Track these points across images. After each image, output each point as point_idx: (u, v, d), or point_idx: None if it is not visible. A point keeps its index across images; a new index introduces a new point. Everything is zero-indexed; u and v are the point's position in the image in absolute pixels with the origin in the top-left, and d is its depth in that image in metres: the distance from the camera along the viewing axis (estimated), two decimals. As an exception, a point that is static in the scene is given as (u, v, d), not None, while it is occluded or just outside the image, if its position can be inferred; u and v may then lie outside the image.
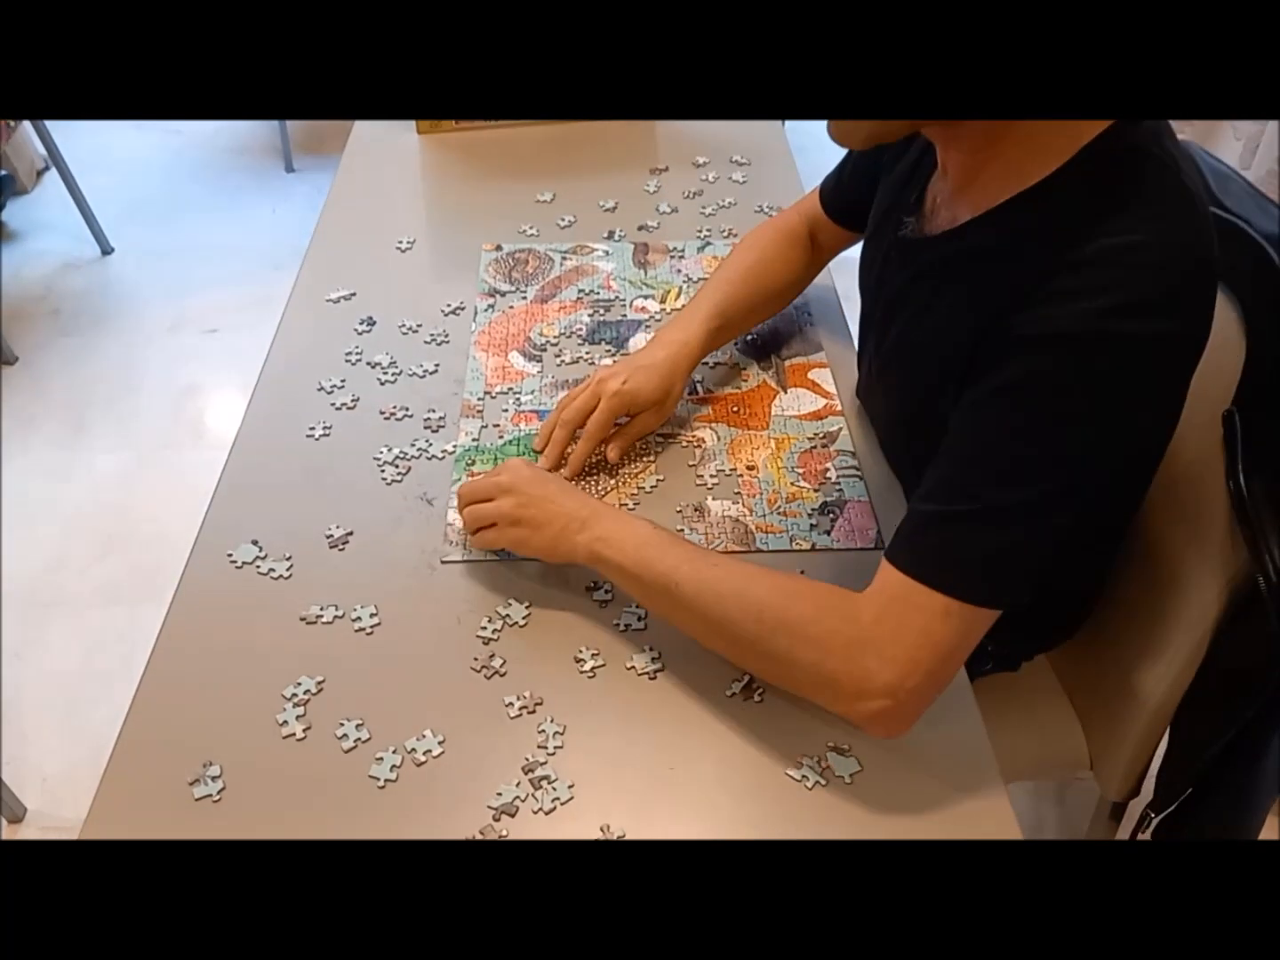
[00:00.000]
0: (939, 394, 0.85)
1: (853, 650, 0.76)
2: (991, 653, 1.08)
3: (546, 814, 0.77)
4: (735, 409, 1.12)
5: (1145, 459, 0.89)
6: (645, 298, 1.27)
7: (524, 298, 1.27)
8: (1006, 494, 0.74)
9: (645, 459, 1.05)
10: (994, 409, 0.76)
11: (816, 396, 1.12)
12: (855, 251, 1.20)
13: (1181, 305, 0.72)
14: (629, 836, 0.76)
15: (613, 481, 1.03)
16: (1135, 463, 0.87)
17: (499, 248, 1.36)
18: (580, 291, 1.28)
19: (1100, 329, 0.71)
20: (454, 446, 1.07)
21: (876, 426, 1.09)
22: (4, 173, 2.86)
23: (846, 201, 1.17)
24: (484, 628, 0.90)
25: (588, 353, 1.19)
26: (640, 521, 0.88)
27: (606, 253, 1.35)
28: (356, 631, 0.90)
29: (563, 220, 1.41)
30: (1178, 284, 0.72)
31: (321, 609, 0.91)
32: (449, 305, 1.26)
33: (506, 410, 1.11)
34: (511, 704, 0.84)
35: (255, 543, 0.97)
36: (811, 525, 0.98)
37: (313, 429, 1.09)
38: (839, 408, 1.11)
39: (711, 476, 1.04)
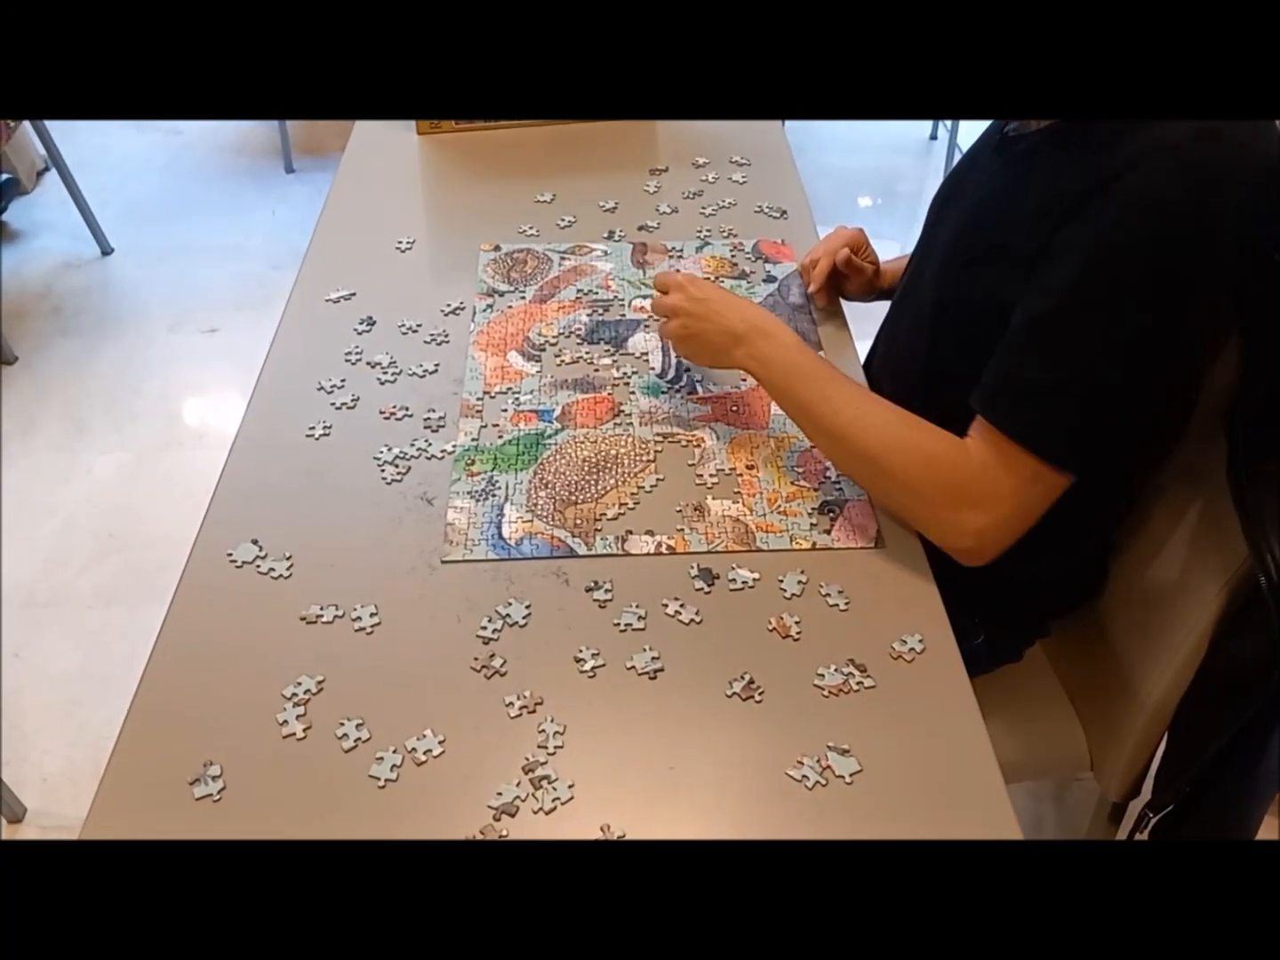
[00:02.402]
0: (1004, 258, 0.93)
1: (952, 502, 0.89)
2: (985, 641, 1.09)
3: (546, 814, 0.77)
4: (735, 408, 1.12)
5: (1193, 381, 0.96)
6: (644, 297, 1.27)
7: (523, 298, 1.27)
8: (1101, 371, 0.84)
9: (645, 459, 1.05)
10: (1083, 280, 0.84)
11: (816, 396, 1.12)
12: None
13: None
14: (629, 836, 0.76)
15: (613, 480, 1.03)
16: (1192, 374, 0.94)
17: (497, 248, 1.36)
18: (579, 291, 1.28)
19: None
20: (453, 446, 1.07)
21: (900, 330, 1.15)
22: (7, 176, 2.85)
23: None
24: (484, 627, 0.90)
25: (586, 352, 1.19)
26: (790, 342, 0.99)
27: (605, 253, 1.35)
28: (356, 631, 0.90)
29: (562, 220, 1.41)
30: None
31: (321, 608, 0.91)
32: (448, 305, 1.26)
33: (506, 410, 1.11)
34: (511, 704, 0.84)
35: (255, 542, 0.97)
36: (811, 524, 0.98)
37: (312, 429, 1.09)
38: (839, 407, 1.11)
39: (711, 476, 1.04)
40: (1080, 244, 0.84)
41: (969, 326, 0.98)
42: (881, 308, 1.26)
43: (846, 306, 1.27)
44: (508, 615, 0.90)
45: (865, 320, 1.30)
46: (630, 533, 0.98)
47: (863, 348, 1.22)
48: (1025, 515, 0.89)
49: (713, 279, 1.29)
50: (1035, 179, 0.92)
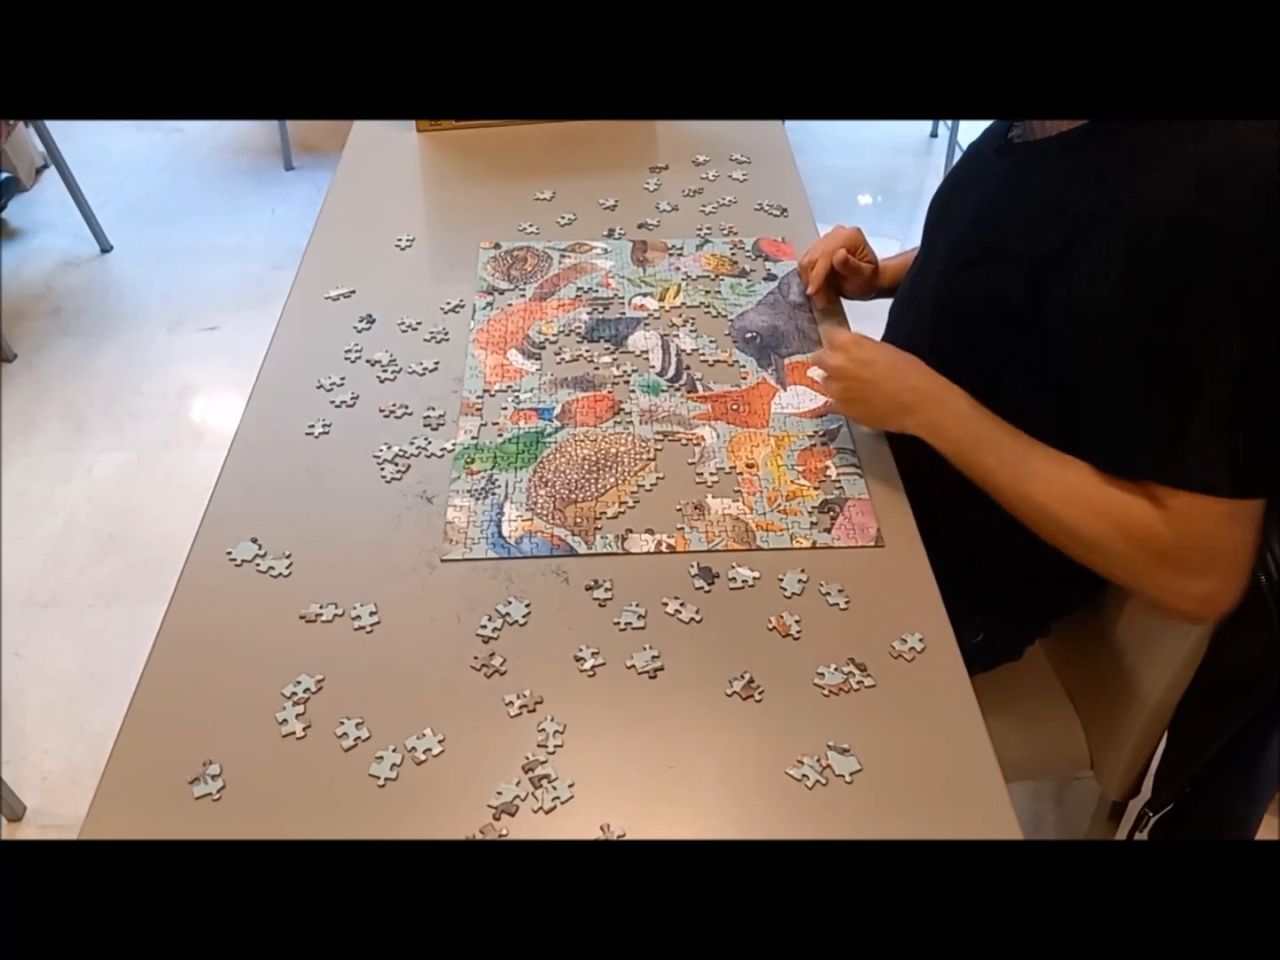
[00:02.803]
0: (995, 221, 0.95)
1: (1163, 573, 0.85)
2: (986, 639, 1.09)
3: (546, 813, 0.77)
4: (735, 407, 1.12)
5: None
6: (644, 295, 1.27)
7: (523, 295, 1.27)
8: (1222, 387, 0.80)
9: (645, 457, 1.05)
10: (1176, 311, 0.81)
11: (816, 394, 1.12)
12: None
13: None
14: (629, 836, 0.76)
15: (613, 479, 1.03)
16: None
17: (497, 245, 1.36)
18: (579, 289, 1.28)
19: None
20: (453, 444, 1.07)
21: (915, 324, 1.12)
22: (6, 175, 2.85)
23: None
24: (484, 626, 0.90)
25: (586, 350, 1.19)
26: (964, 409, 0.95)
27: (605, 250, 1.34)
28: (356, 630, 0.90)
29: (563, 218, 1.41)
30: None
31: (321, 607, 0.91)
32: (448, 303, 1.26)
33: (505, 408, 1.11)
34: (511, 703, 0.84)
35: (255, 541, 0.97)
36: (812, 523, 0.98)
37: (312, 427, 1.09)
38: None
39: (711, 474, 1.04)
40: (1114, 274, 0.82)
41: (968, 325, 0.98)
42: (883, 306, 1.26)
43: (847, 305, 1.27)
44: (507, 614, 0.90)
45: (867, 319, 1.30)
46: (630, 531, 0.98)
47: (858, 327, 1.21)
48: (1242, 560, 0.85)
49: (712, 277, 1.29)
50: (1038, 185, 0.92)
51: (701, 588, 0.92)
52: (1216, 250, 0.78)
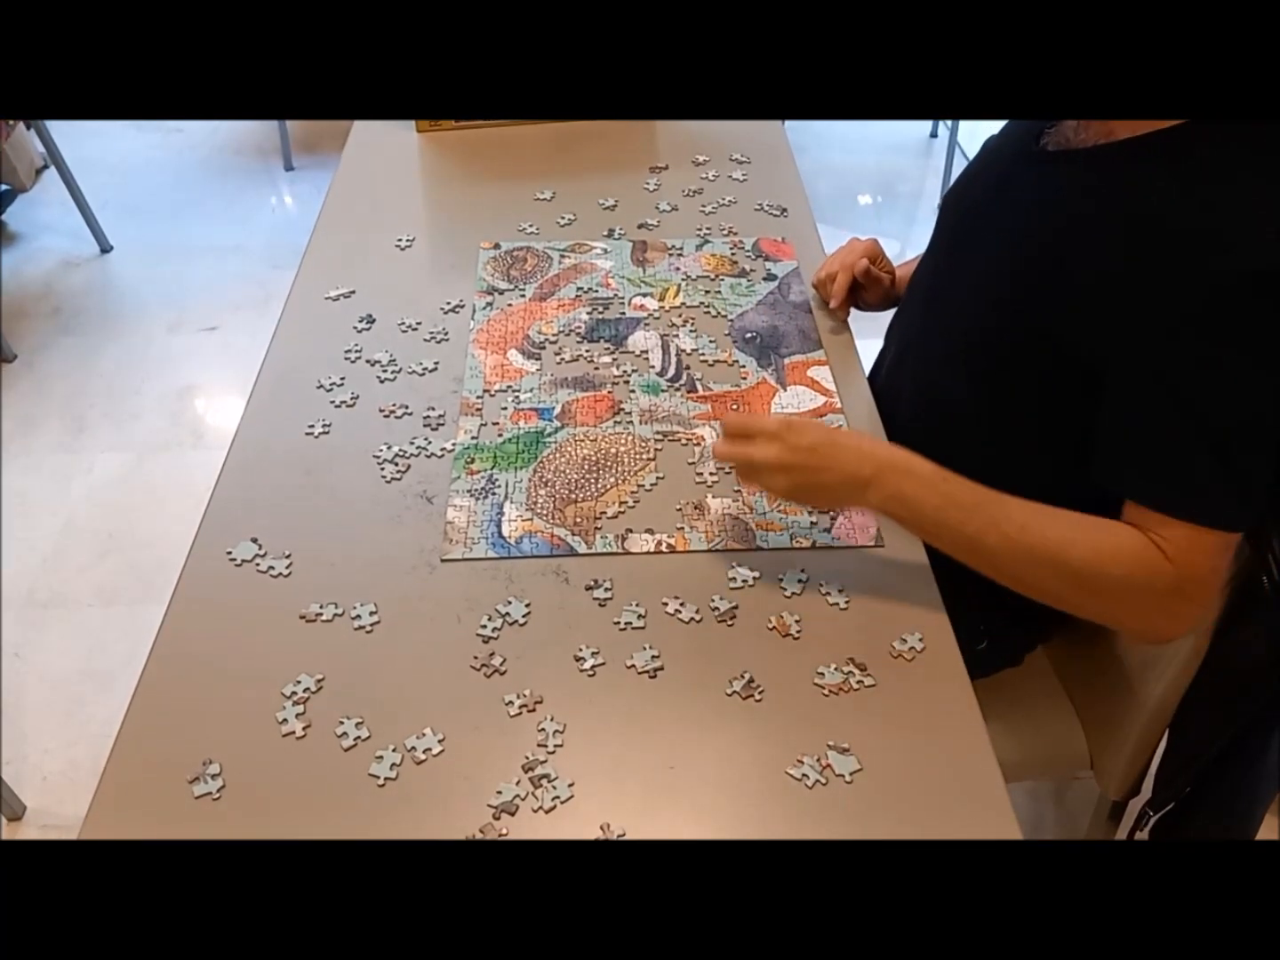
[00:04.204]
0: (1039, 267, 0.90)
1: (1167, 604, 0.85)
2: (989, 645, 1.09)
3: (546, 813, 0.77)
4: (735, 407, 1.12)
5: None
6: (644, 295, 1.27)
7: (522, 295, 1.27)
8: (1227, 419, 0.80)
9: (645, 457, 1.05)
10: (1203, 348, 0.79)
11: (816, 394, 1.12)
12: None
13: None
14: (629, 836, 0.76)
15: (613, 479, 1.03)
16: None
17: (497, 246, 1.36)
18: (579, 289, 1.28)
19: None
20: (453, 444, 1.07)
21: (925, 358, 1.08)
22: (6, 187, 2.85)
23: None
24: (484, 626, 0.90)
25: (586, 350, 1.19)
26: (930, 474, 0.87)
27: (605, 250, 1.34)
28: (356, 630, 0.90)
29: (562, 218, 1.41)
30: None
31: (321, 607, 0.91)
32: (448, 303, 1.26)
33: (505, 408, 1.11)
34: (511, 702, 0.84)
35: (255, 541, 0.97)
36: (812, 523, 0.98)
37: (312, 427, 1.09)
38: (839, 405, 1.11)
39: (711, 474, 1.04)
40: (1194, 315, 0.79)
41: (1016, 366, 0.93)
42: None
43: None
44: (507, 614, 0.90)
45: (864, 318, 1.30)
46: (630, 531, 0.98)
47: (862, 345, 1.21)
48: (1223, 581, 0.90)
49: (712, 276, 1.29)
50: (1092, 198, 0.87)
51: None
52: None
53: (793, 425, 0.89)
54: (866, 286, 1.22)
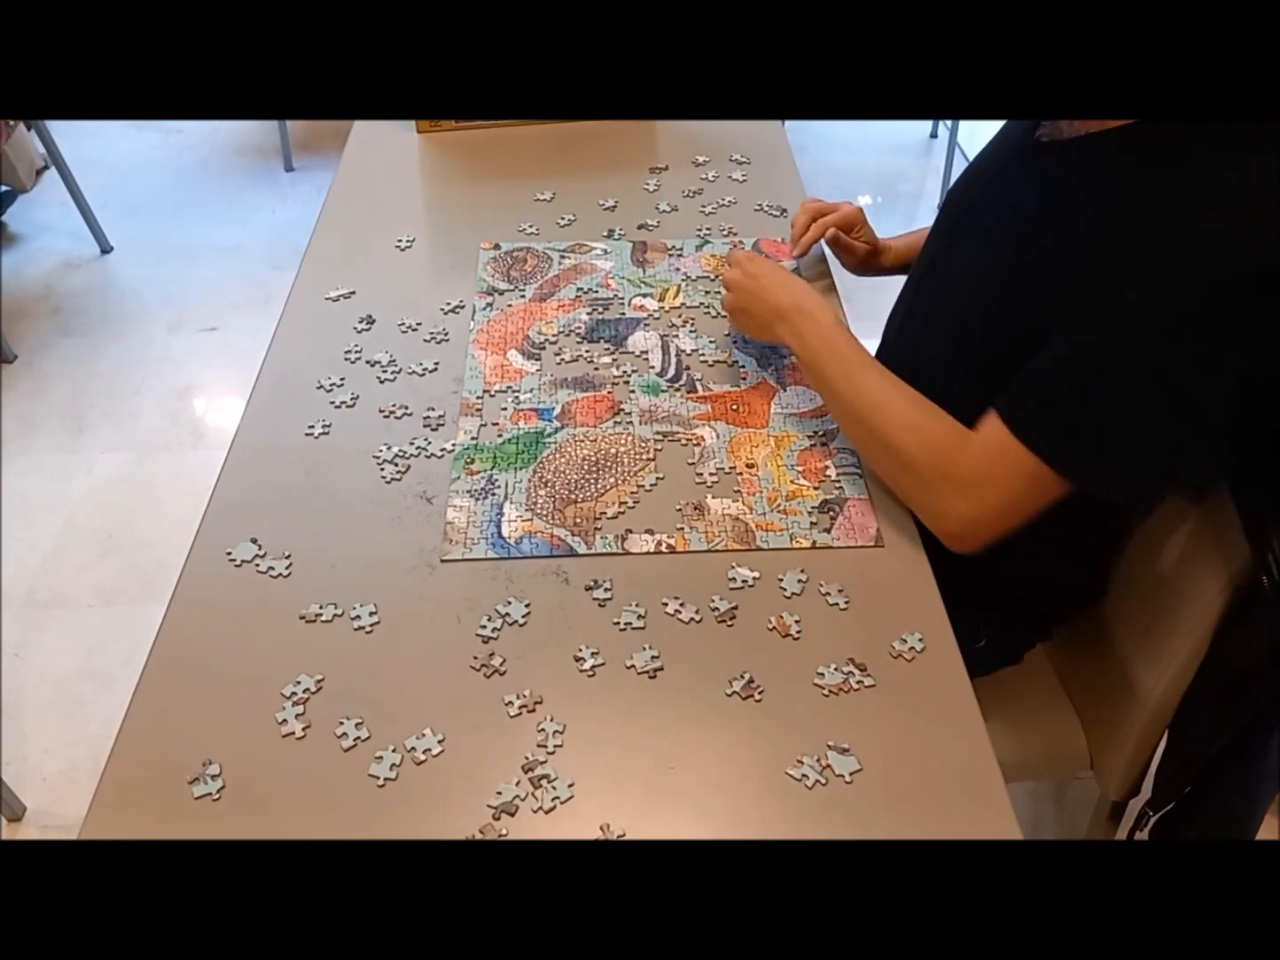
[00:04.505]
0: (1039, 270, 0.91)
1: (945, 487, 0.91)
2: (988, 643, 1.09)
3: (546, 813, 0.77)
4: (735, 407, 1.12)
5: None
6: (644, 296, 1.27)
7: (522, 296, 1.27)
8: (1128, 390, 0.82)
9: (645, 457, 1.05)
10: (1134, 318, 0.81)
11: (816, 394, 1.12)
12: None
13: None
14: (629, 836, 0.76)
15: (613, 479, 1.03)
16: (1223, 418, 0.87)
17: (497, 246, 1.36)
18: (579, 290, 1.28)
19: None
20: (453, 445, 1.07)
21: (925, 337, 1.10)
22: (6, 188, 2.85)
23: None
24: (484, 626, 0.90)
25: (586, 351, 1.19)
26: (827, 321, 1.02)
27: (605, 251, 1.34)
28: (356, 630, 0.90)
29: (562, 219, 1.41)
30: None
31: (321, 607, 0.91)
32: (448, 304, 1.26)
33: (505, 408, 1.11)
34: (511, 703, 0.84)
35: (254, 541, 0.97)
36: (812, 523, 0.98)
37: (312, 427, 1.09)
38: (839, 407, 1.11)
39: (711, 474, 1.04)
40: (1154, 291, 0.80)
41: (1014, 365, 0.91)
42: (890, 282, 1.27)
43: (847, 307, 1.27)
44: (507, 614, 0.90)
45: (864, 318, 1.30)
46: (630, 531, 0.98)
47: (858, 327, 1.20)
48: (1012, 511, 0.89)
49: (711, 277, 1.29)
50: (1089, 196, 0.87)
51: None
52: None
53: (753, 258, 1.11)
54: (837, 253, 1.27)
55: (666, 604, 0.91)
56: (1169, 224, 0.80)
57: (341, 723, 0.83)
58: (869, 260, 1.28)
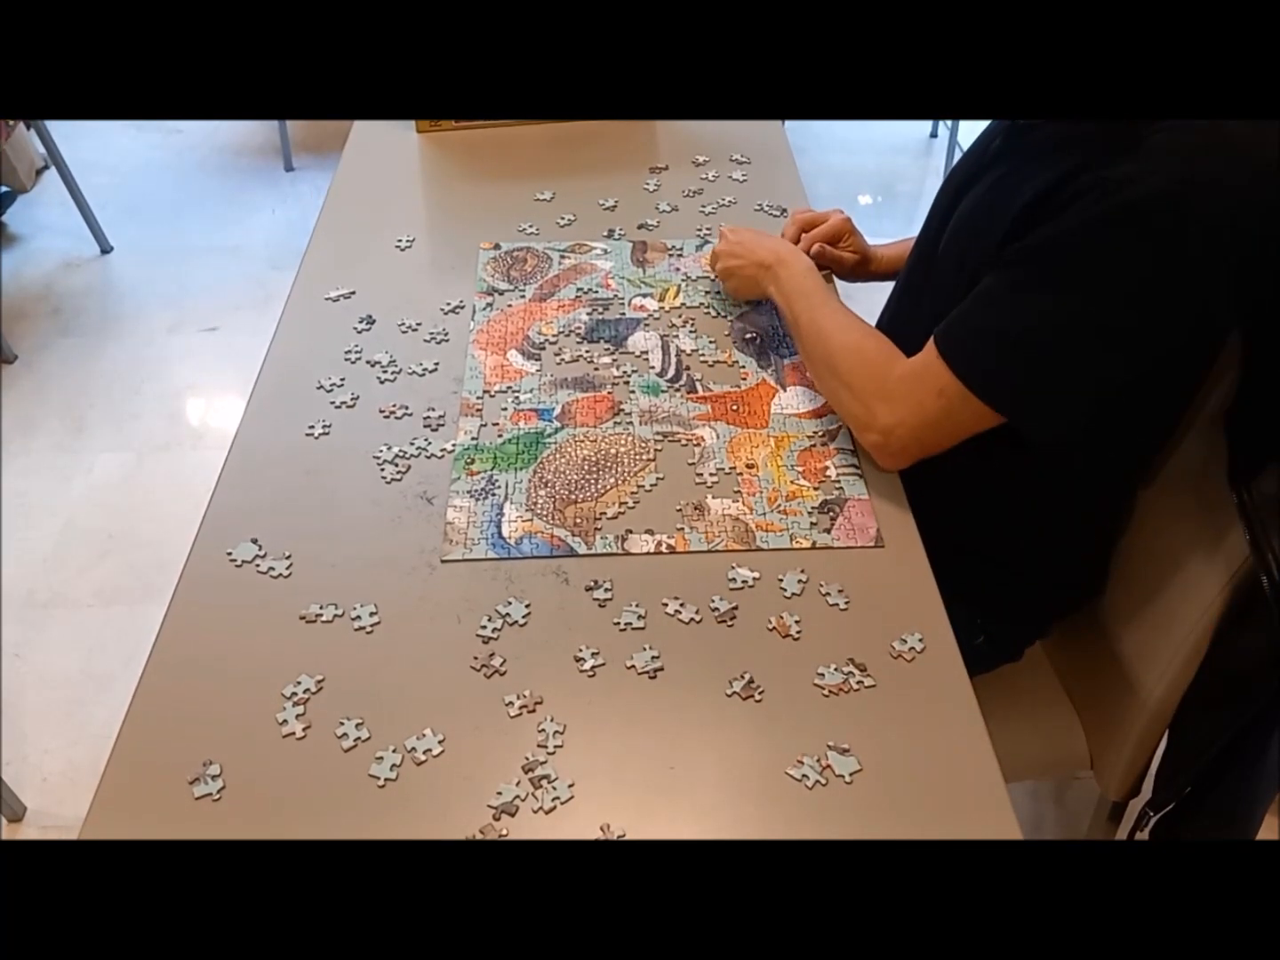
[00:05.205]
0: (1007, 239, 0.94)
1: (871, 397, 0.99)
2: (986, 640, 1.09)
3: (546, 813, 0.77)
4: (735, 407, 1.12)
5: (1172, 376, 0.94)
6: (644, 296, 1.27)
7: (522, 296, 1.27)
8: (1033, 321, 0.88)
9: (645, 457, 1.05)
10: (1060, 250, 0.87)
11: (816, 394, 1.12)
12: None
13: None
14: (629, 836, 0.76)
15: (613, 479, 1.03)
16: (1166, 367, 0.92)
17: (497, 246, 1.36)
18: (579, 290, 1.28)
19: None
20: (453, 445, 1.07)
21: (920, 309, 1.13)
22: (6, 189, 2.85)
23: None
24: (484, 627, 0.90)
25: (586, 351, 1.19)
26: (800, 268, 1.13)
27: (605, 251, 1.34)
28: (356, 630, 0.90)
29: (562, 219, 1.41)
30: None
31: (321, 608, 0.91)
32: (448, 304, 1.26)
33: (505, 409, 1.11)
34: (511, 703, 0.84)
35: (255, 541, 0.97)
36: (812, 523, 0.98)
37: (312, 427, 1.09)
38: (839, 407, 1.11)
39: (711, 475, 1.04)
40: (1071, 229, 0.85)
41: None
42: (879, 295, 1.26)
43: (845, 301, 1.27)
44: (507, 614, 0.90)
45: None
46: (630, 532, 0.98)
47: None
48: (930, 425, 0.95)
49: (712, 277, 1.29)
50: (1034, 172, 0.91)
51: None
52: (1185, 244, 0.81)
53: (735, 229, 1.22)
54: (824, 266, 1.29)
55: (666, 604, 0.91)
56: (1089, 173, 0.85)
57: (342, 723, 0.83)
58: (858, 269, 1.30)
